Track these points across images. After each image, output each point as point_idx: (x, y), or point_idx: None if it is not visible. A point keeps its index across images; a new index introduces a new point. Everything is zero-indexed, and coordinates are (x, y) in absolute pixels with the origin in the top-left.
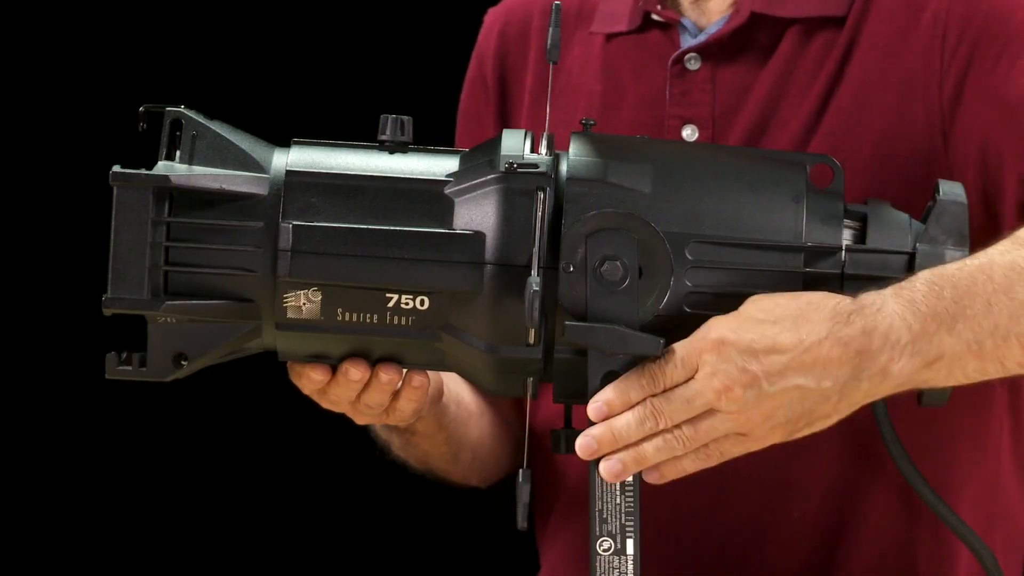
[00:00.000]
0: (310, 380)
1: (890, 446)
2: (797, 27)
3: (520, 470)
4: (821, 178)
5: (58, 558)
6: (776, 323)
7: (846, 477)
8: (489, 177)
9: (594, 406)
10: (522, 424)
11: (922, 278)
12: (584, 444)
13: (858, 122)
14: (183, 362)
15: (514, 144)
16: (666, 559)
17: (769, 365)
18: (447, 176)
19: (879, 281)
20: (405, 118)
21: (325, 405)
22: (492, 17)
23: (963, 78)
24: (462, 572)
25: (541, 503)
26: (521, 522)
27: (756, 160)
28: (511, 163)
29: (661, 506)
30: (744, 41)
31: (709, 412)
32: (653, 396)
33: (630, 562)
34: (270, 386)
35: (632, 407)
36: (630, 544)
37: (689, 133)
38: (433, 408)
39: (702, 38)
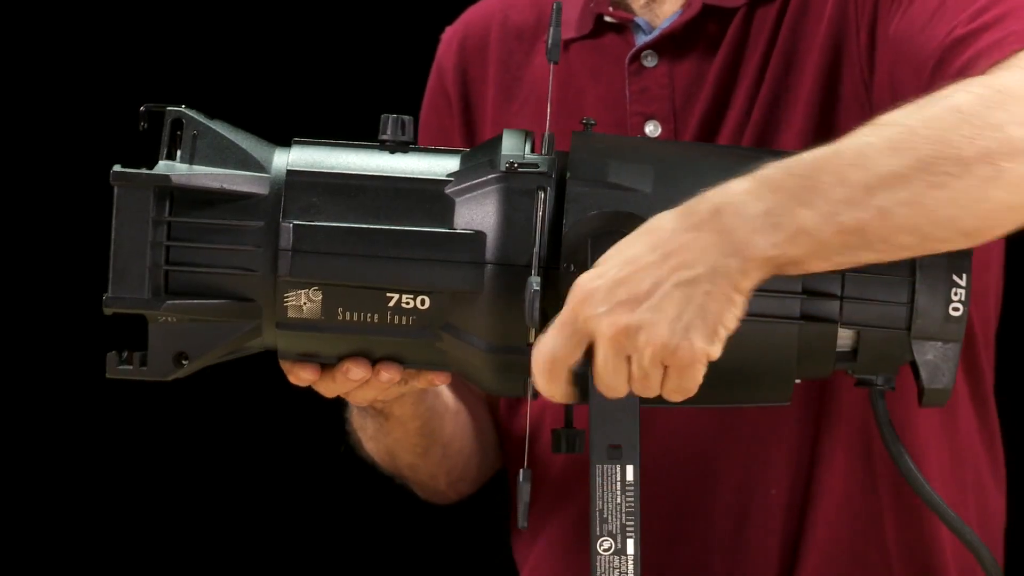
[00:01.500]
0: (303, 379)
1: (890, 447)
2: (742, 11)
3: (521, 469)
4: None
5: (57, 557)
6: (628, 247)
7: (810, 449)
8: (490, 177)
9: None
10: (497, 429)
11: (771, 164)
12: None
13: (788, 86)
14: (184, 361)
15: (515, 144)
16: (650, 547)
17: (638, 284)
18: (448, 176)
19: (879, 279)
20: (406, 118)
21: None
22: (450, 33)
23: (873, 24)
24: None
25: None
26: (522, 521)
27: (756, 161)
28: (512, 163)
29: (643, 494)
30: (696, 33)
31: (628, 360)
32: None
33: (630, 562)
34: (270, 385)
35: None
36: (630, 544)
37: (652, 129)
38: (411, 392)
39: (655, 34)
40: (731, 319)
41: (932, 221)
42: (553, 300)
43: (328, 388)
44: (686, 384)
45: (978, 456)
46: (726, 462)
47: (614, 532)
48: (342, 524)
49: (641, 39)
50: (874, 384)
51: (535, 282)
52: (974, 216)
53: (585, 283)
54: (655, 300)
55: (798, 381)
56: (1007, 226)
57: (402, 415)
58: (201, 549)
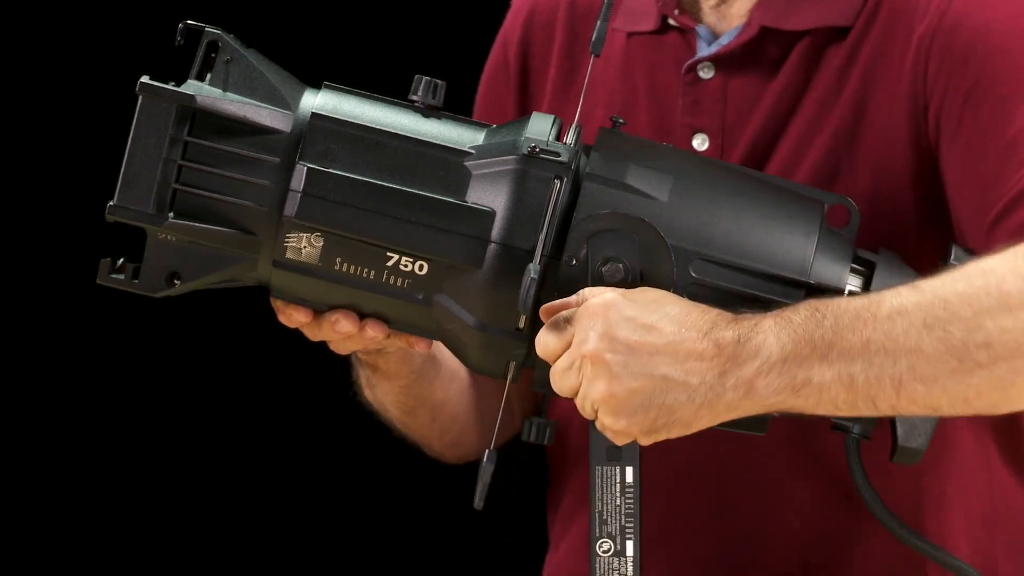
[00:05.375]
0: (292, 321)
1: (863, 492)
2: (807, 39)
3: (486, 451)
4: (838, 218)
5: (54, 553)
6: (661, 311)
7: (844, 490)
8: (509, 157)
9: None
10: (516, 403)
11: (806, 305)
12: None
13: (855, 134)
14: (176, 281)
15: (541, 129)
16: (668, 560)
17: (642, 341)
18: (470, 148)
19: None
20: (439, 82)
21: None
22: (519, 5)
23: (940, 109)
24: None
25: (556, 487)
26: (478, 501)
27: (776, 191)
28: (534, 147)
29: (663, 507)
30: (755, 53)
31: (590, 374)
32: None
33: (630, 563)
34: (271, 381)
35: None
36: (630, 545)
37: (699, 143)
38: (395, 351)
39: (715, 48)
40: (680, 432)
41: (949, 400)
42: (549, 290)
43: (314, 333)
44: (607, 432)
45: (1010, 491)
46: (742, 485)
47: (613, 534)
48: (362, 507)
49: (702, 48)
50: (850, 431)
51: (533, 269)
52: (993, 401)
53: (610, 300)
54: (639, 367)
55: (775, 415)
56: None
57: (387, 370)
58: (192, 547)
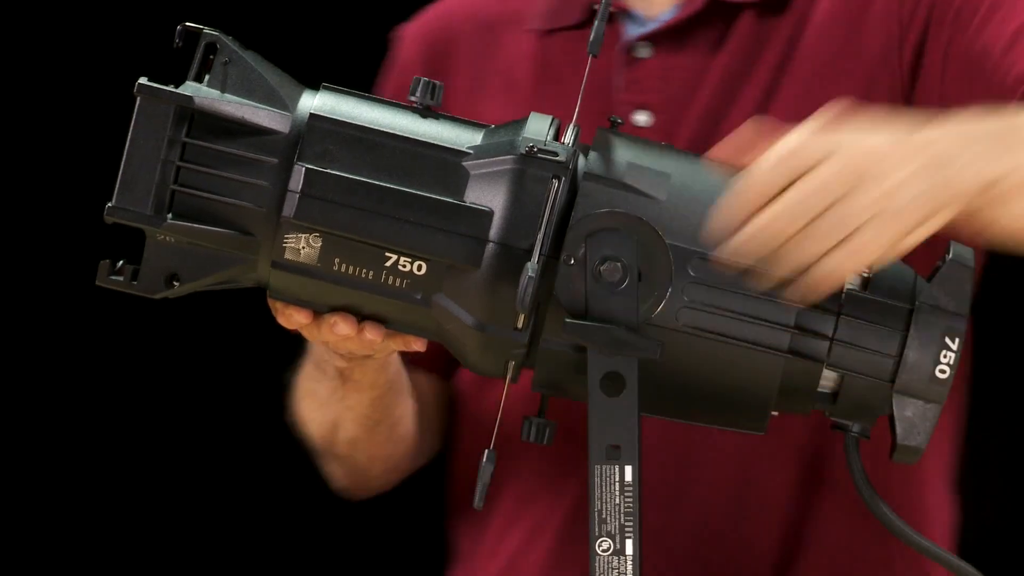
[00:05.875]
0: (291, 322)
1: (863, 492)
2: (751, 11)
3: (486, 451)
4: None
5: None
6: (866, 129)
7: (816, 444)
8: (507, 157)
9: (736, 201)
10: (444, 415)
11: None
12: (738, 247)
13: (817, 96)
14: (175, 283)
15: (538, 129)
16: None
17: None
18: (469, 148)
19: (872, 327)
20: (437, 83)
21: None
22: (412, 30)
23: (922, 42)
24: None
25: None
26: (478, 502)
27: None
28: (531, 147)
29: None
30: (698, 28)
31: (854, 189)
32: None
33: (629, 562)
34: (270, 382)
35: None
36: (629, 544)
37: (644, 119)
38: (379, 358)
39: (653, 26)
40: (949, 210)
41: None
42: (547, 289)
43: (313, 335)
44: (848, 263)
45: (949, 461)
46: (719, 454)
47: (612, 533)
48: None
49: (634, 30)
50: (849, 430)
51: (532, 268)
52: None
53: (852, 133)
54: (915, 139)
55: (775, 414)
56: None
57: (362, 380)
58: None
